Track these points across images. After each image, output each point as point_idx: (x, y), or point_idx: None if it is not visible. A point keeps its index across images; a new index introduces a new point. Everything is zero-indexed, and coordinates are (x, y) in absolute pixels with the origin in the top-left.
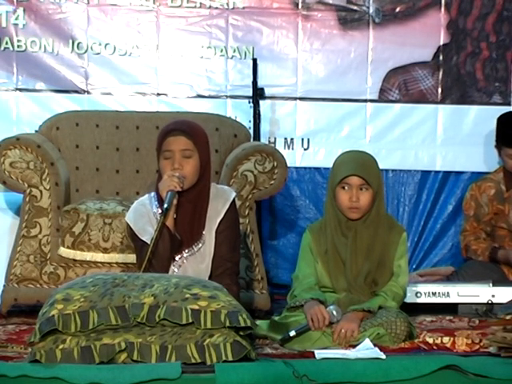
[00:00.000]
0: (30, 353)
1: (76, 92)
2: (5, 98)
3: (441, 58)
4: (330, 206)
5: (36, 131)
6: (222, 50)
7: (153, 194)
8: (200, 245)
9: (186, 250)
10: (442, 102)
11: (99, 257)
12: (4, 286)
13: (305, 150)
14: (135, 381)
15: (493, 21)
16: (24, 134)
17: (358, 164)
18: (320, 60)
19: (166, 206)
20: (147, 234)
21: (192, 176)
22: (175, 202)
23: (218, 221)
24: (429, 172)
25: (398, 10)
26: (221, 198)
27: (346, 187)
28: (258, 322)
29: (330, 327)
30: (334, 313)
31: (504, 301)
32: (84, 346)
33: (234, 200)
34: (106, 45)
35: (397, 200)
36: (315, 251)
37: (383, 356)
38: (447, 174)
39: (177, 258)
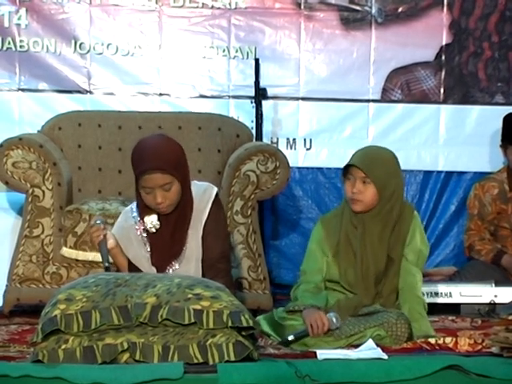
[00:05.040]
0: (32, 353)
1: (78, 92)
2: (7, 98)
3: (443, 58)
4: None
5: (38, 131)
6: (224, 50)
7: (134, 207)
8: (185, 250)
9: (174, 261)
10: (445, 102)
11: None
12: (6, 285)
13: (307, 150)
14: (137, 381)
15: (495, 21)
16: (26, 134)
17: (364, 157)
18: (322, 60)
19: (106, 264)
20: (130, 253)
21: (176, 200)
22: (154, 226)
23: (204, 221)
24: (431, 172)
25: (400, 10)
26: (203, 197)
27: (351, 178)
28: (259, 316)
29: (327, 335)
30: (334, 320)
31: (506, 301)
32: (86, 346)
33: (216, 195)
34: (109, 45)
35: None
36: (327, 244)
37: (385, 356)
38: (449, 174)
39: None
